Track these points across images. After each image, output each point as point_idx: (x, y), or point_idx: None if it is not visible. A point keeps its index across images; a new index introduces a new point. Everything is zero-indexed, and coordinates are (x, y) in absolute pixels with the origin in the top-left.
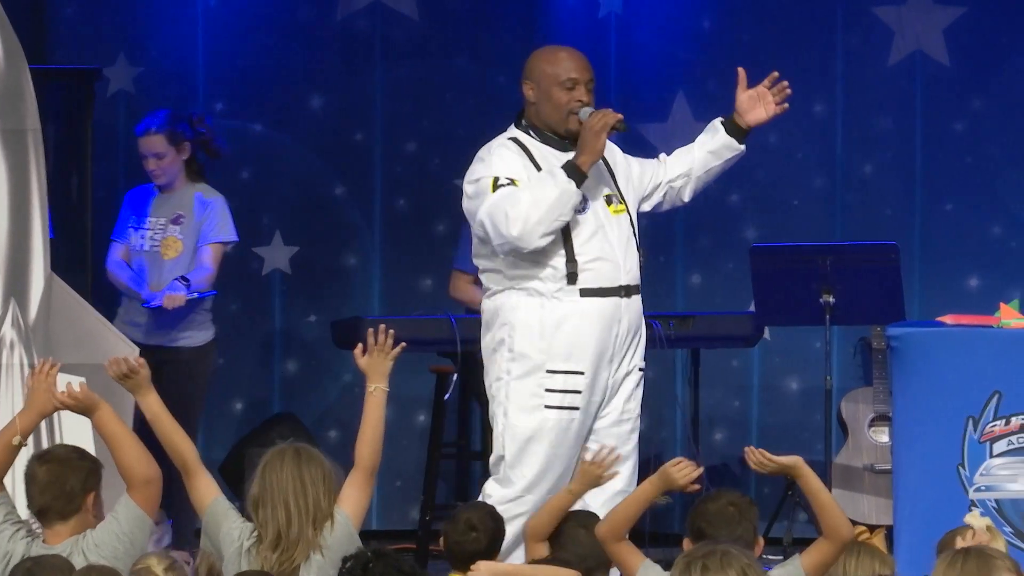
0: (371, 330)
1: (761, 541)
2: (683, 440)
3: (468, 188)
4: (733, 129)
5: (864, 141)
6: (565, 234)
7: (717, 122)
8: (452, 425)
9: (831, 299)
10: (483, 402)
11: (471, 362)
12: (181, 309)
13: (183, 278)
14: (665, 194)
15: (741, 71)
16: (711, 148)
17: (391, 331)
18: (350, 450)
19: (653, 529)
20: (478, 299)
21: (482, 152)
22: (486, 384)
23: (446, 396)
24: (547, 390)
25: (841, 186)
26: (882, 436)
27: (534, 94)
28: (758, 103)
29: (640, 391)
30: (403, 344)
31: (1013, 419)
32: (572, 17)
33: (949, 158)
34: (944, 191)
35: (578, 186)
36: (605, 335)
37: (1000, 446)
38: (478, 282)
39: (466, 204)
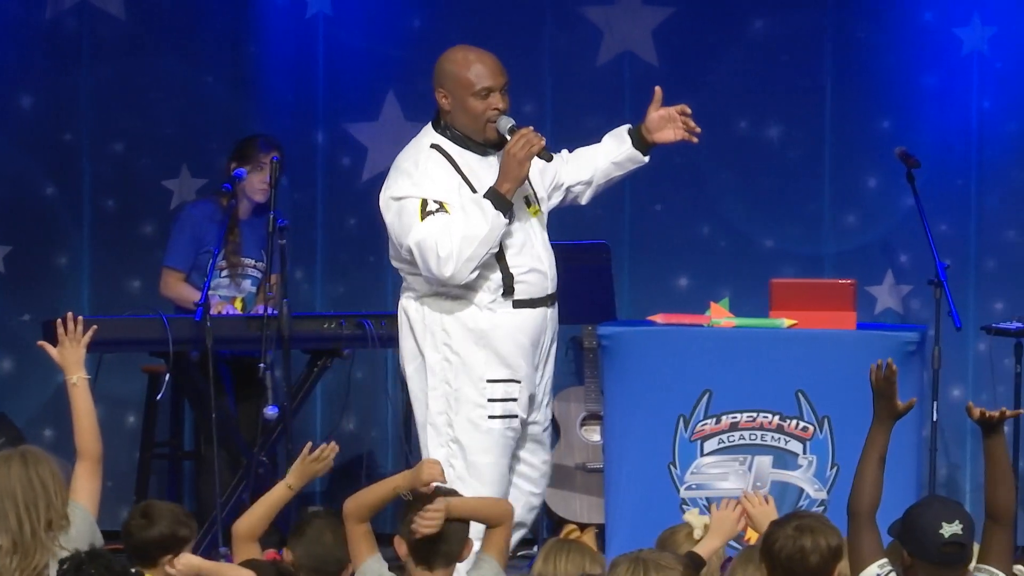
0: (59, 321)
1: (472, 542)
2: (394, 439)
3: (391, 203)
4: (639, 142)
5: (573, 141)
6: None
7: (623, 131)
8: (164, 425)
9: None
10: (195, 402)
11: (183, 362)
12: None
13: None
14: (563, 197)
15: (658, 89)
16: (615, 159)
17: (80, 318)
18: (65, 448)
19: None
20: (190, 297)
21: (406, 164)
22: (411, 390)
23: (159, 396)
24: (489, 400)
25: None
26: (594, 435)
27: (448, 103)
28: (668, 124)
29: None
30: (94, 327)
31: (723, 417)
32: (280, 17)
33: (658, 158)
34: (653, 191)
35: (505, 216)
36: (535, 345)
37: (711, 444)
38: (189, 279)
39: (387, 217)
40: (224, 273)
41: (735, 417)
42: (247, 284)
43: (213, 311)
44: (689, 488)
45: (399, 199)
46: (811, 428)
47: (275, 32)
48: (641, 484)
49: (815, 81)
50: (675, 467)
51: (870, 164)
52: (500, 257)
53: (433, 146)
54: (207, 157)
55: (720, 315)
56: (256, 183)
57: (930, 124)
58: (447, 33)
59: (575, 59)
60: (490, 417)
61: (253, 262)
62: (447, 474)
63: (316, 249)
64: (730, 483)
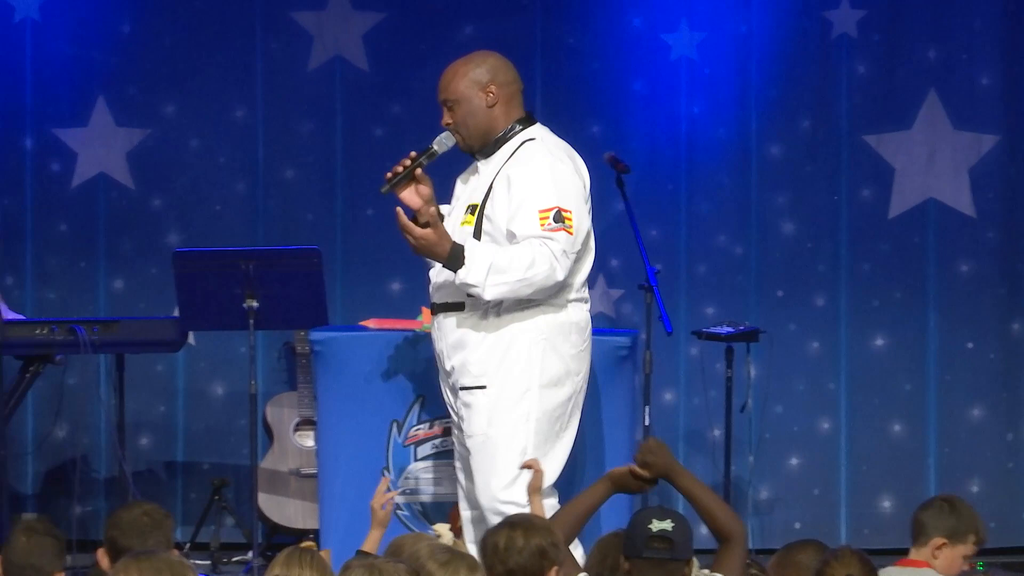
0: None
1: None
2: (108, 446)
3: None
4: None
5: (285, 146)
6: None
7: None
8: None
9: (255, 304)
10: None
11: None
12: None
13: None
14: None
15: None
16: None
17: None
18: None
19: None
20: None
21: None
22: None
23: None
24: None
25: (262, 191)
26: (307, 440)
27: None
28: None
29: (473, 411)
30: None
31: (436, 423)
32: None
33: (369, 163)
34: (365, 196)
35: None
36: (437, 354)
37: (424, 449)
38: None
39: None
40: None
41: (448, 422)
42: None
43: None
44: (403, 493)
45: None
46: None
47: None
48: (355, 489)
49: (525, 86)
50: (389, 472)
51: None
52: None
53: None
54: None
55: (431, 320)
56: None
57: (640, 129)
58: (157, 39)
59: (286, 64)
60: None
61: None
62: None
63: (26, 255)
64: (443, 488)
